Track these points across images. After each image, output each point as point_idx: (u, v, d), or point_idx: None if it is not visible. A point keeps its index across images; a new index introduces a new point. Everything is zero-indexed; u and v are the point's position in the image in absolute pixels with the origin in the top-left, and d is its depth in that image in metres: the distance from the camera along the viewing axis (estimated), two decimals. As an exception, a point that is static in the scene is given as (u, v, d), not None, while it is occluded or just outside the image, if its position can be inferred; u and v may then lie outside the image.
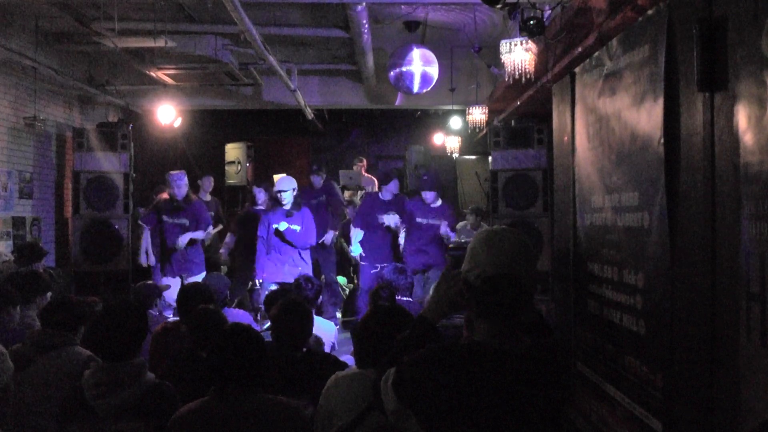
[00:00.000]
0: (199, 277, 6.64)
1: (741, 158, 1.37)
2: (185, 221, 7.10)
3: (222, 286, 4.55)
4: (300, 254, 6.72)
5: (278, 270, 6.63)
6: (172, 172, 7.27)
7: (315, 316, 4.35)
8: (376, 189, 9.45)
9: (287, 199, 6.59)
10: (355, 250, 7.27)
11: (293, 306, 3.20)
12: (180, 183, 7.10)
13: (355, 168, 10.37)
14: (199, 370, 3.05)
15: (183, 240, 6.95)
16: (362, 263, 7.25)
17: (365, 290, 6.77)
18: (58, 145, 8.49)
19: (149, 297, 4.66)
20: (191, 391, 2.62)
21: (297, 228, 6.60)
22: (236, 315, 4.48)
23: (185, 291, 4.17)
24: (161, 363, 3.42)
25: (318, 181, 7.88)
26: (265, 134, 12.21)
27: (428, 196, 7.05)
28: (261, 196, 7.73)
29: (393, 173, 7.57)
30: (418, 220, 7.08)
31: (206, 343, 3.25)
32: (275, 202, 6.81)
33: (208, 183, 8.80)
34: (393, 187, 7.18)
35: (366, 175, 10.40)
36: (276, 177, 9.95)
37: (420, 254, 7.03)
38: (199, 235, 7.14)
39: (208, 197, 8.78)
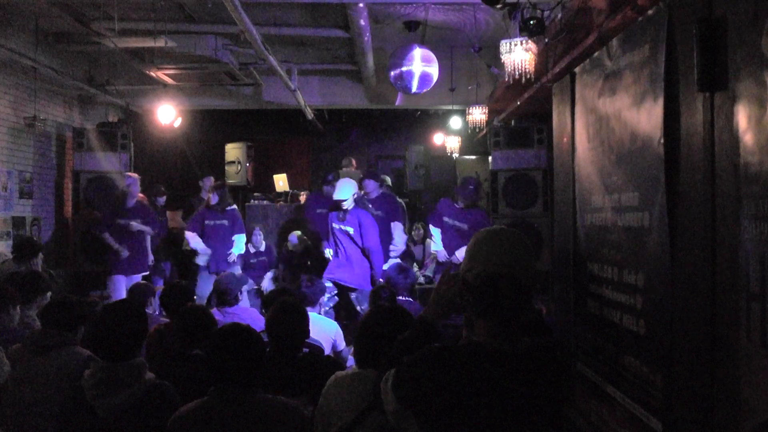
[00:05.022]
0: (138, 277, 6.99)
1: (741, 158, 1.38)
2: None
3: (234, 285, 4.56)
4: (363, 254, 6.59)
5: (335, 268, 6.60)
6: (129, 174, 7.43)
7: (316, 315, 4.36)
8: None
9: (347, 205, 6.47)
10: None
11: (288, 306, 3.20)
12: (134, 185, 7.30)
13: (346, 169, 10.32)
14: (189, 369, 3.04)
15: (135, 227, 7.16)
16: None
17: None
18: (58, 145, 8.49)
19: (144, 296, 4.67)
20: (183, 390, 2.62)
21: (350, 230, 6.53)
22: (250, 313, 4.49)
23: (169, 290, 4.28)
24: (155, 364, 3.42)
25: (330, 191, 7.80)
26: (265, 134, 12.20)
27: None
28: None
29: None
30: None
31: (195, 340, 3.26)
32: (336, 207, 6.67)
33: (208, 183, 8.84)
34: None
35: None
36: (276, 177, 9.97)
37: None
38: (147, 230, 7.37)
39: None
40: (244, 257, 8.03)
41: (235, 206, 7.84)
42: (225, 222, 7.49)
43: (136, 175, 7.50)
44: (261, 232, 8.46)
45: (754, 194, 1.33)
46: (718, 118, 1.47)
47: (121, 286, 7.04)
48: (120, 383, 2.48)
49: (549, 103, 2.90)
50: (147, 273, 7.47)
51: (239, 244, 7.57)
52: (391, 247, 6.90)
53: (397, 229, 7.08)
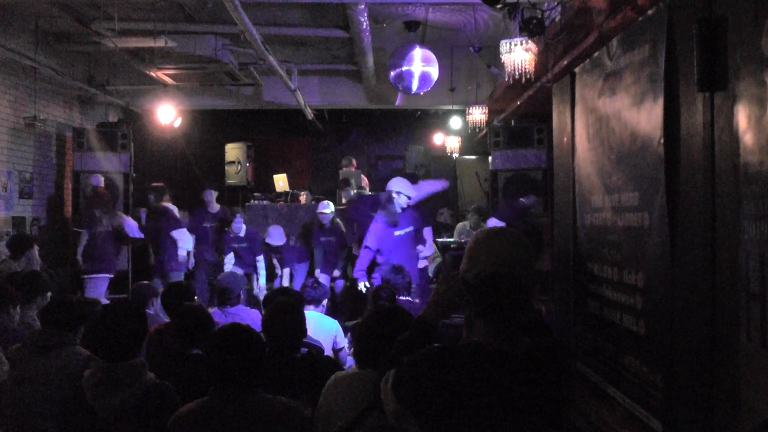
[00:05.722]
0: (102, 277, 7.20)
1: (741, 158, 1.37)
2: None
3: (236, 285, 4.58)
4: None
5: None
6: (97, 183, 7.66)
7: (317, 313, 4.37)
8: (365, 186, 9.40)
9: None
10: None
11: (285, 306, 3.21)
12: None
13: (346, 169, 10.25)
14: (189, 369, 3.04)
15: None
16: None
17: None
18: (58, 145, 8.49)
19: (146, 296, 4.68)
20: (183, 390, 2.62)
21: (409, 229, 6.29)
22: (251, 313, 4.51)
23: (169, 290, 4.34)
24: (155, 364, 3.42)
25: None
26: (265, 134, 12.21)
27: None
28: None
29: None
30: None
31: (194, 340, 3.26)
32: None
33: (210, 196, 8.30)
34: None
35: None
36: (276, 177, 9.97)
37: None
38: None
39: (217, 207, 8.37)
40: (228, 243, 8.05)
41: (166, 205, 7.95)
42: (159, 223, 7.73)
43: (98, 178, 7.67)
44: (242, 218, 8.23)
45: (754, 194, 1.32)
46: (718, 118, 1.47)
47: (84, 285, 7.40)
48: (120, 383, 2.48)
49: (549, 103, 2.90)
50: (109, 275, 7.46)
51: (180, 239, 7.69)
52: (420, 248, 6.61)
53: (429, 235, 6.89)
